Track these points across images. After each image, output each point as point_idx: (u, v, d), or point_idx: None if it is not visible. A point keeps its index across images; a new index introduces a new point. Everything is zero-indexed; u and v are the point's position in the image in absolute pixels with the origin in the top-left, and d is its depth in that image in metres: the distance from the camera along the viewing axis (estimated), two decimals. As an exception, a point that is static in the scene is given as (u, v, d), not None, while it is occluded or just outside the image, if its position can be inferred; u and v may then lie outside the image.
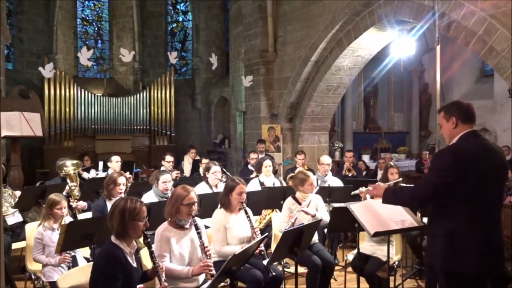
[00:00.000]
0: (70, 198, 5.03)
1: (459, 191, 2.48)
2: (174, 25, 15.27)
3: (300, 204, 4.26)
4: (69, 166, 5.40)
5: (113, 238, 2.69)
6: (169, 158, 7.11)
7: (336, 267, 4.99)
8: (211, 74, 13.94)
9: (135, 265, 2.73)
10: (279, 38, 9.09)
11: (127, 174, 4.94)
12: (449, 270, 2.53)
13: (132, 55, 8.67)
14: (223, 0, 13.97)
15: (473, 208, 2.49)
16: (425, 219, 4.24)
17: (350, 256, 4.50)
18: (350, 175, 6.98)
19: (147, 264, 3.04)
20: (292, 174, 4.78)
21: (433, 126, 12.06)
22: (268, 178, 5.79)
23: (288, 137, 9.18)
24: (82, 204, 5.09)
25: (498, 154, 2.65)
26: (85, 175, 7.11)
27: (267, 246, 4.55)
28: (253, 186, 5.55)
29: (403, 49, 7.01)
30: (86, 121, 12.20)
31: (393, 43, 7.30)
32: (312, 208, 4.27)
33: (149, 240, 2.79)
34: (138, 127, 12.95)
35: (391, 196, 2.83)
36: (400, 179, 5.38)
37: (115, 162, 6.27)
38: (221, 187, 4.98)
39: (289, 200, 4.42)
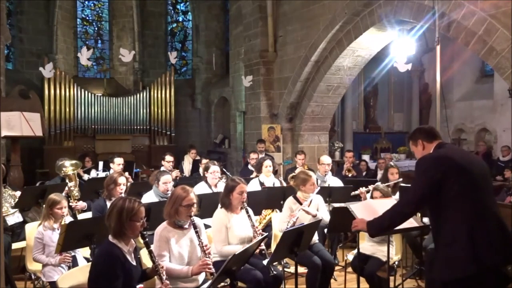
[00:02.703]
0: (69, 199, 5.03)
1: (446, 195, 2.50)
2: (174, 25, 15.26)
3: (301, 204, 4.26)
4: (68, 166, 5.40)
5: (110, 238, 2.68)
6: (169, 158, 7.11)
7: (336, 267, 4.98)
8: (211, 74, 13.94)
9: (134, 263, 2.73)
10: (279, 38, 9.09)
11: (126, 174, 4.94)
12: (446, 281, 2.50)
13: (132, 55, 8.67)
14: (223, 0, 13.96)
15: (464, 210, 2.49)
16: (425, 219, 4.24)
17: (350, 256, 4.50)
18: (350, 175, 6.97)
19: (147, 263, 3.04)
20: (293, 174, 4.77)
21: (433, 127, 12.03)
22: (268, 178, 5.79)
23: (288, 137, 9.18)
24: (82, 204, 5.08)
25: (476, 158, 2.76)
26: (85, 176, 7.10)
27: (267, 246, 4.55)
28: (253, 186, 5.55)
29: (403, 49, 7.01)
30: (86, 121, 12.16)
31: (393, 43, 7.30)
32: (313, 208, 4.27)
33: (147, 240, 2.79)
34: (138, 127, 12.92)
35: (372, 229, 2.85)
36: (400, 179, 5.40)
37: (117, 165, 6.24)
38: (220, 187, 4.98)
39: (290, 200, 4.42)
